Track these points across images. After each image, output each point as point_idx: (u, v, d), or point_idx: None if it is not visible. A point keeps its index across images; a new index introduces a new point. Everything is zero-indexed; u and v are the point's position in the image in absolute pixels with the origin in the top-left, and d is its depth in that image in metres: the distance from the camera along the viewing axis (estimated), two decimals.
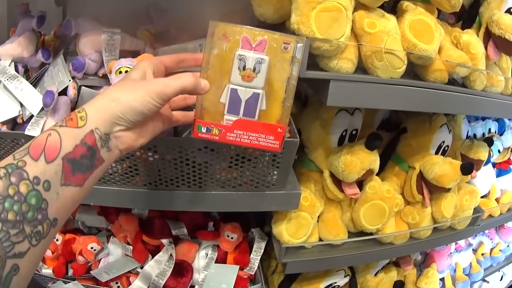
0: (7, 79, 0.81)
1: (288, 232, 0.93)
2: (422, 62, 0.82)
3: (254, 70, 0.59)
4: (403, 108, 0.84)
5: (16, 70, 0.86)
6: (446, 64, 0.84)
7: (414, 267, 1.42)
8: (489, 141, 1.28)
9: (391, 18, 0.79)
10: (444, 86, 0.85)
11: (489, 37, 0.95)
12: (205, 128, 0.62)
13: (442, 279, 1.52)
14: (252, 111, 0.61)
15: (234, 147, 0.74)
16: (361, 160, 0.89)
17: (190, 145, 0.73)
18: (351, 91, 0.76)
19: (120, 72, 0.73)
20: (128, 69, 0.73)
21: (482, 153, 1.22)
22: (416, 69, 0.85)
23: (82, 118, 0.51)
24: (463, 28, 0.98)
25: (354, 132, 0.97)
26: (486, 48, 0.94)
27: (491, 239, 1.72)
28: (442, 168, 1.01)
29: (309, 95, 1.07)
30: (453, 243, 1.55)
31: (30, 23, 0.87)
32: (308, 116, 1.00)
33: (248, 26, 0.59)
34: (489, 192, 1.43)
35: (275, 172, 0.79)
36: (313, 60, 0.75)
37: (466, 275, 1.61)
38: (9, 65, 0.85)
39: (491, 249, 1.75)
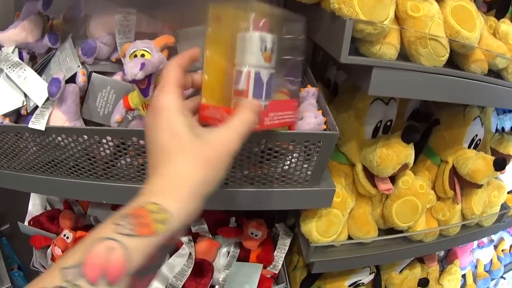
0: (9, 67, 0.75)
1: (318, 230, 0.87)
2: (464, 51, 0.75)
3: (272, 50, 0.55)
4: (445, 99, 0.79)
5: (21, 57, 0.80)
6: (486, 54, 0.78)
7: (437, 263, 1.37)
8: None
9: (434, 2, 0.73)
10: (484, 78, 0.80)
11: None
12: None
13: (463, 276, 1.48)
14: (270, 92, 0.56)
15: (265, 140, 0.68)
16: (397, 153, 0.83)
17: None
18: (394, 80, 0.70)
19: (135, 56, 0.65)
20: (145, 53, 0.65)
21: (511, 148, 1.17)
22: (455, 58, 0.79)
23: (164, 221, 0.40)
24: (496, 18, 0.93)
25: (388, 123, 0.91)
26: None
27: (511, 235, 1.68)
28: (476, 164, 0.96)
29: (339, 83, 1.01)
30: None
31: (35, 5, 0.80)
32: (339, 105, 0.94)
33: (241, 6, 0.54)
34: None
35: (310, 168, 0.73)
36: (353, 43, 0.68)
37: (487, 271, 1.57)
38: (13, 52, 0.79)
39: (511, 245, 1.71)
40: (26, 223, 1.09)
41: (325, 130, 0.71)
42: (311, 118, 0.69)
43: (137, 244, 0.38)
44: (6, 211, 1.34)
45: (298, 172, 0.74)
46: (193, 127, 0.48)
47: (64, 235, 1.00)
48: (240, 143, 0.47)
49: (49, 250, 1.01)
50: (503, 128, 1.32)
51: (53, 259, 1.01)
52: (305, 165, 0.73)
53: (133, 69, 0.60)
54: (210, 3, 0.54)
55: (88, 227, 1.06)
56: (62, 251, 0.97)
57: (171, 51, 0.74)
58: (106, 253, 0.37)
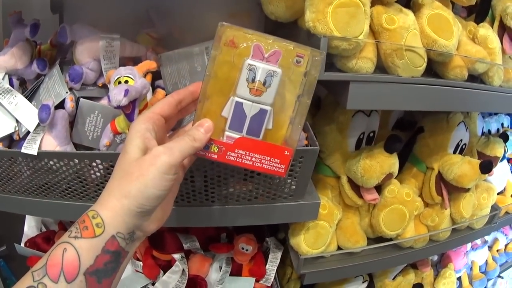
0: (0, 94, 0.77)
1: (307, 242, 0.88)
2: (442, 59, 0.77)
3: (264, 83, 0.52)
4: (426, 108, 0.80)
5: (11, 83, 0.81)
6: (465, 60, 0.80)
7: (431, 268, 1.37)
8: (505, 137, 1.24)
9: (409, 13, 0.75)
10: (464, 84, 0.81)
11: (503, 30, 0.92)
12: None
13: (459, 279, 1.49)
14: (257, 129, 0.54)
15: None
16: (380, 164, 0.84)
17: (200, 159, 0.68)
18: (372, 93, 0.72)
19: (119, 82, 0.66)
20: (128, 79, 0.66)
21: (498, 150, 1.18)
22: (434, 66, 0.81)
23: (99, 225, 0.47)
24: (476, 22, 0.94)
25: (371, 135, 0.93)
26: (501, 42, 0.90)
27: (505, 235, 1.68)
28: (462, 168, 0.97)
29: (322, 97, 1.02)
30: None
31: (23, 32, 0.81)
32: (322, 119, 0.95)
33: (260, 33, 0.51)
34: (504, 189, 1.39)
35: (293, 183, 0.74)
36: (330, 60, 0.70)
37: (482, 272, 1.58)
38: (3, 79, 0.80)
39: (506, 245, 1.71)
40: (22, 244, 1.10)
41: (306, 145, 0.72)
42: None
43: (84, 245, 0.45)
44: (1, 233, 1.35)
45: (282, 187, 0.75)
46: (147, 148, 0.50)
47: None
48: (171, 161, 0.48)
49: None
50: (489, 131, 1.33)
51: None
52: (289, 180, 0.74)
53: (117, 95, 0.61)
54: (221, 23, 0.51)
55: None
56: None
57: (155, 75, 0.76)
58: (61, 254, 0.45)
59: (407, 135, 1.07)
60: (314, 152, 0.70)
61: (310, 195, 0.80)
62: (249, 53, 0.51)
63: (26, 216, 1.16)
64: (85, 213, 0.48)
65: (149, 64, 0.70)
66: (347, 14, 0.65)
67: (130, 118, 0.65)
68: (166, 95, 0.76)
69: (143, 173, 0.47)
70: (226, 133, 0.54)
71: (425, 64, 0.74)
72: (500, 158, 1.22)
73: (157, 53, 0.82)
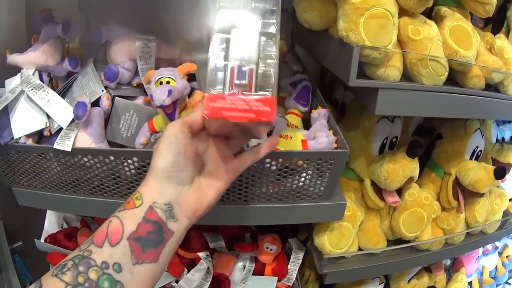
0: (32, 89, 0.77)
1: (330, 243, 0.92)
2: (462, 69, 0.81)
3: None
4: (446, 115, 0.84)
5: (41, 79, 0.82)
6: (483, 70, 0.83)
7: (444, 272, 1.40)
8: None
9: (433, 24, 0.78)
10: (481, 92, 0.84)
11: None
12: None
13: (469, 283, 1.51)
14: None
15: (281, 159, 0.72)
16: (403, 168, 0.88)
17: None
18: (398, 99, 0.76)
19: (161, 83, 0.69)
20: (170, 80, 0.69)
21: (511, 157, 1.21)
22: (454, 75, 0.84)
23: (138, 198, 0.52)
24: (492, 33, 0.97)
25: (394, 140, 0.96)
26: None
27: None
28: (477, 174, 1.00)
29: (346, 103, 1.06)
30: (481, 247, 1.54)
31: (54, 29, 0.82)
32: (347, 124, 0.99)
33: None
34: None
35: (323, 184, 0.78)
36: (360, 68, 0.73)
37: (492, 278, 1.60)
38: (33, 75, 0.81)
39: None
40: (42, 240, 1.10)
41: (336, 148, 0.76)
42: (323, 137, 0.74)
43: (126, 215, 0.50)
44: (18, 228, 1.36)
45: (312, 188, 0.78)
46: None
47: None
48: (178, 123, 0.53)
49: None
50: (503, 138, 1.36)
51: None
52: (318, 182, 0.77)
53: (161, 95, 0.64)
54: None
55: None
56: None
57: (190, 77, 0.78)
58: (107, 224, 0.49)
59: (426, 142, 1.10)
60: (344, 155, 0.73)
61: (337, 196, 0.83)
62: None
63: (47, 212, 1.18)
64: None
65: (190, 66, 0.72)
66: (378, 24, 0.69)
67: (171, 117, 0.69)
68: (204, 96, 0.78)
69: (160, 143, 0.53)
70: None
71: (446, 73, 0.77)
72: None
73: (192, 55, 0.83)
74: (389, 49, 0.71)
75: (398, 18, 0.75)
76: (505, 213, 1.26)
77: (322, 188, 0.78)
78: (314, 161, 0.73)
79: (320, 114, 0.81)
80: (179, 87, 0.67)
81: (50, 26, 0.83)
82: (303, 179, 0.76)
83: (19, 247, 1.36)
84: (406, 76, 0.77)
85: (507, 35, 0.99)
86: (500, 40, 0.90)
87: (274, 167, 0.73)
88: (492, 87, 0.90)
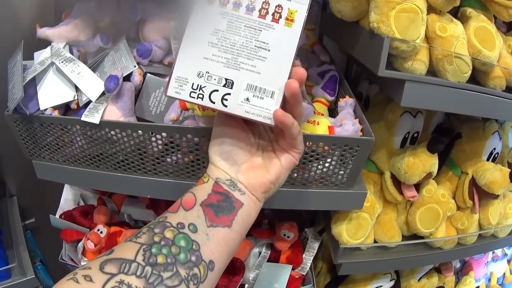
0: (62, 62, 0.78)
1: (348, 232, 0.93)
2: (485, 69, 0.82)
3: None
4: (467, 112, 0.86)
5: (71, 53, 0.83)
6: (504, 72, 0.85)
7: (453, 274, 1.41)
8: None
9: (459, 23, 0.80)
10: (502, 93, 0.86)
11: None
12: None
13: None
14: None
15: (309, 143, 0.73)
16: (423, 162, 0.90)
17: None
18: (423, 93, 0.77)
19: None
20: None
21: None
22: (476, 75, 0.86)
23: (205, 177, 0.56)
24: None
25: (415, 135, 0.98)
26: None
27: None
28: (494, 175, 1.02)
29: (371, 96, 1.08)
30: (491, 252, 1.55)
31: (87, 6, 0.84)
32: (371, 117, 1.00)
33: None
34: None
35: (347, 171, 0.79)
36: (388, 60, 0.75)
37: (499, 285, 1.61)
38: (64, 47, 0.82)
39: None
40: (57, 216, 1.11)
41: (361, 136, 0.78)
42: (349, 125, 0.77)
43: (197, 189, 0.55)
44: (31, 205, 1.38)
45: (336, 175, 0.80)
46: None
47: (98, 230, 1.03)
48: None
49: (80, 244, 1.03)
50: None
51: (84, 253, 1.03)
52: (342, 168, 0.79)
53: None
54: None
55: (121, 224, 1.09)
56: (95, 245, 0.99)
57: None
58: (180, 198, 0.53)
59: (445, 141, 1.10)
60: (370, 142, 0.75)
61: (358, 185, 0.85)
62: None
63: (64, 189, 1.19)
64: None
65: None
66: (408, 19, 0.71)
67: None
68: None
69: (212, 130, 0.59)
70: None
71: (470, 72, 0.79)
72: None
73: None
74: (418, 43, 0.73)
75: (427, 14, 0.77)
76: None
77: (345, 175, 0.80)
78: (340, 147, 0.75)
79: (347, 103, 0.83)
80: None
81: (83, 2, 0.85)
82: (327, 164, 0.78)
83: (32, 224, 1.38)
84: (432, 71, 0.79)
85: None
86: None
87: None
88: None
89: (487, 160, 1.10)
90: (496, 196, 1.05)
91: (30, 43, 0.85)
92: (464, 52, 0.78)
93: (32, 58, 0.84)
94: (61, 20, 0.90)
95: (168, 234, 0.46)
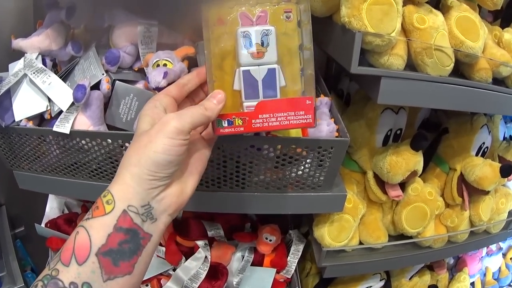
0: (34, 73, 0.78)
1: (330, 235, 0.90)
2: (468, 60, 0.79)
3: (262, 44, 0.53)
4: (451, 107, 0.82)
5: (44, 63, 0.83)
6: (490, 63, 0.82)
7: (447, 271, 1.39)
8: None
9: (439, 14, 0.77)
10: (488, 86, 0.83)
11: None
12: (226, 122, 0.54)
13: (472, 284, 1.49)
14: (272, 90, 0.54)
15: (280, 146, 0.71)
16: (406, 161, 0.86)
17: (235, 145, 0.70)
18: (401, 89, 0.74)
19: (158, 65, 0.68)
20: (167, 62, 0.69)
21: None
22: (461, 68, 0.82)
23: (109, 201, 0.46)
24: (501, 27, 0.95)
25: (398, 132, 0.95)
26: None
27: None
28: (483, 170, 0.98)
29: (351, 93, 1.05)
30: (485, 247, 1.52)
31: (58, 14, 0.83)
32: (351, 115, 0.97)
33: (241, 0, 0.53)
34: None
35: (323, 173, 0.76)
36: (363, 55, 0.72)
37: (495, 279, 1.58)
38: (36, 58, 0.81)
39: None
40: (42, 225, 1.12)
41: (337, 137, 0.75)
42: (323, 126, 0.73)
43: (93, 224, 0.45)
44: (20, 214, 1.37)
45: (311, 178, 0.77)
46: (157, 120, 0.50)
47: None
48: (178, 126, 0.47)
49: None
50: (510, 136, 1.34)
51: None
52: (318, 171, 0.76)
53: (156, 77, 0.64)
54: (203, 6, 0.53)
55: None
56: None
57: (192, 62, 0.77)
58: (74, 237, 0.45)
59: (432, 136, 1.09)
60: (345, 143, 0.72)
61: (337, 187, 0.82)
62: (238, 22, 0.53)
63: (49, 197, 1.19)
64: (99, 196, 0.48)
65: (187, 49, 0.72)
66: (381, 11, 0.67)
67: None
68: None
69: (152, 140, 0.47)
70: (245, 104, 0.54)
71: (452, 64, 0.76)
72: None
73: (194, 41, 0.83)
74: (392, 37, 0.69)
75: (403, 6, 0.73)
76: (510, 213, 1.24)
77: (321, 178, 0.77)
78: (313, 149, 0.72)
79: (322, 103, 0.80)
80: (176, 69, 0.67)
81: (54, 11, 0.84)
82: (302, 167, 0.75)
83: (21, 233, 1.37)
84: (411, 66, 0.76)
85: None
86: (508, 34, 0.88)
87: (272, 154, 0.71)
88: (500, 82, 0.88)
89: (476, 155, 1.06)
90: (486, 192, 1.02)
91: (10, 53, 0.85)
92: (445, 44, 0.74)
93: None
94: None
95: None
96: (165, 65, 0.68)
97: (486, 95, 0.83)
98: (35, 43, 0.82)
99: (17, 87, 0.79)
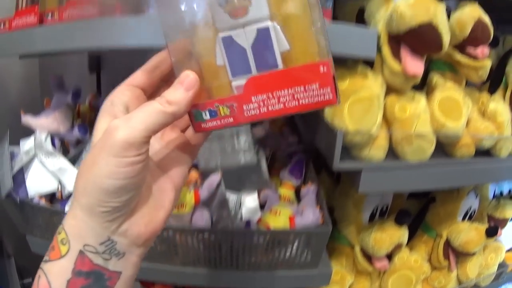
0: (44, 155, 0.83)
1: None
2: (449, 141, 0.84)
3: None
4: (433, 187, 0.89)
5: (53, 143, 0.89)
6: (473, 137, 0.86)
7: None
8: None
9: (421, 99, 0.82)
10: (470, 160, 0.88)
11: None
12: (207, 113, 0.40)
13: None
14: (270, 58, 0.38)
15: (269, 232, 0.77)
16: (390, 236, 0.92)
17: (229, 232, 0.77)
18: (382, 178, 0.79)
19: None
20: None
21: (508, 211, 1.21)
22: (443, 145, 0.87)
23: (63, 241, 0.37)
24: (490, 89, 1.00)
25: (384, 209, 1.01)
26: None
27: None
28: (468, 235, 1.03)
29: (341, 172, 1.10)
30: None
31: (65, 97, 0.89)
32: (341, 194, 1.03)
33: None
34: None
35: (309, 255, 0.83)
36: (345, 148, 0.77)
37: None
38: (45, 139, 0.87)
39: None
40: None
41: (322, 223, 0.81)
42: (309, 214, 0.80)
43: (52, 269, 0.37)
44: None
45: (299, 258, 0.83)
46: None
47: None
48: (129, 136, 0.35)
49: None
50: (501, 193, 1.37)
51: None
52: (305, 253, 0.83)
53: None
54: None
55: None
56: None
57: None
58: (37, 283, 0.37)
59: (421, 204, 1.13)
60: (326, 233, 0.79)
61: (323, 263, 0.88)
62: None
63: None
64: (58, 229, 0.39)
65: None
66: (362, 109, 0.73)
67: None
68: (200, 172, 0.85)
69: (95, 161, 0.35)
70: (233, 84, 0.39)
71: (433, 147, 0.81)
72: (510, 219, 1.25)
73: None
74: (372, 133, 0.75)
75: (386, 96, 0.79)
76: (501, 265, 1.27)
77: (308, 258, 0.83)
78: (300, 237, 0.78)
79: (309, 191, 0.86)
80: None
81: (61, 93, 0.91)
82: (289, 250, 0.81)
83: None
84: (392, 149, 0.81)
85: (504, 92, 1.01)
86: (494, 103, 0.93)
87: (262, 241, 0.78)
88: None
89: (463, 219, 1.11)
90: (473, 254, 1.06)
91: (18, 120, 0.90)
92: (426, 128, 0.80)
93: (18, 139, 0.90)
94: (44, 105, 0.96)
95: None
96: None
97: (468, 169, 0.87)
98: (44, 125, 0.88)
99: (29, 164, 0.85)
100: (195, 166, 0.87)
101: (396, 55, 0.77)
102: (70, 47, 0.67)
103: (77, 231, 0.37)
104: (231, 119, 0.39)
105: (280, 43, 0.37)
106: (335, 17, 0.82)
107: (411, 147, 0.79)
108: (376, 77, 0.77)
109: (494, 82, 1.02)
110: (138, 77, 0.42)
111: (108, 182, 0.34)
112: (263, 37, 0.37)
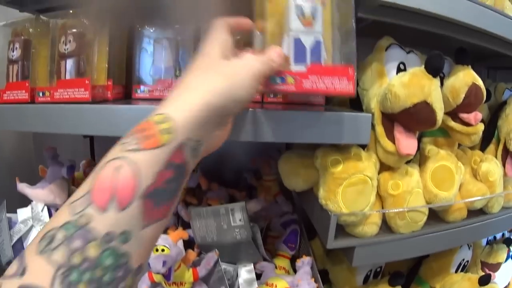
0: (41, 226, 0.82)
1: None
2: (442, 209, 0.87)
3: (312, 16, 0.57)
4: (427, 252, 0.92)
5: (50, 213, 0.91)
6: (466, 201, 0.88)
7: None
8: (508, 242, 1.29)
9: (414, 172, 0.83)
10: (463, 223, 0.90)
11: (507, 153, 1.00)
12: (279, 79, 0.56)
13: None
14: (317, 59, 0.58)
15: None
16: None
17: None
18: (375, 251, 0.82)
19: (157, 250, 0.73)
20: (165, 248, 0.74)
21: (501, 256, 1.23)
22: (435, 211, 0.90)
23: (169, 130, 0.38)
24: (482, 145, 1.02)
25: (378, 270, 1.03)
26: (504, 164, 0.99)
27: None
28: (461, 286, 1.05)
29: None
30: None
31: (60, 170, 0.91)
32: (335, 257, 1.05)
33: None
34: (509, 284, 1.44)
35: None
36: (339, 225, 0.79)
37: None
38: (42, 210, 0.90)
39: None
40: None
41: None
42: (305, 286, 0.82)
43: (144, 158, 0.36)
44: None
45: None
46: (228, 55, 0.49)
47: None
48: (261, 70, 0.48)
49: None
50: (494, 237, 1.39)
51: None
52: None
53: (156, 265, 0.72)
54: None
55: None
56: None
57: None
58: (114, 173, 0.35)
59: (415, 259, 1.15)
60: None
61: None
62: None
63: None
64: (146, 120, 0.39)
65: (181, 234, 0.79)
66: (356, 191, 0.75)
67: (167, 278, 0.77)
68: (198, 249, 0.88)
69: (237, 74, 0.45)
70: (294, 68, 0.57)
71: (425, 218, 0.83)
72: (503, 262, 1.27)
73: (187, 204, 0.91)
74: (365, 212, 0.77)
75: (379, 173, 0.81)
76: None
77: None
78: None
79: (304, 263, 0.88)
80: (173, 255, 0.75)
81: (55, 166, 0.93)
82: None
83: None
84: (385, 221, 0.84)
85: (496, 147, 1.03)
86: (486, 164, 0.95)
87: None
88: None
89: (456, 270, 1.13)
90: None
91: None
92: (419, 202, 0.82)
93: (14, 205, 0.92)
94: (39, 172, 0.97)
95: (91, 251, 0.32)
96: (163, 250, 0.75)
97: (461, 230, 0.90)
98: (40, 196, 0.90)
99: (27, 234, 0.87)
100: (192, 244, 0.89)
101: (390, 133, 0.80)
102: (62, 131, 0.68)
103: (188, 122, 0.39)
104: (293, 87, 0.56)
105: (323, 53, 0.58)
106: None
107: (404, 221, 0.81)
108: (369, 158, 0.79)
109: (486, 138, 1.03)
110: (226, 31, 0.51)
111: (240, 93, 0.45)
112: (317, 45, 0.58)
